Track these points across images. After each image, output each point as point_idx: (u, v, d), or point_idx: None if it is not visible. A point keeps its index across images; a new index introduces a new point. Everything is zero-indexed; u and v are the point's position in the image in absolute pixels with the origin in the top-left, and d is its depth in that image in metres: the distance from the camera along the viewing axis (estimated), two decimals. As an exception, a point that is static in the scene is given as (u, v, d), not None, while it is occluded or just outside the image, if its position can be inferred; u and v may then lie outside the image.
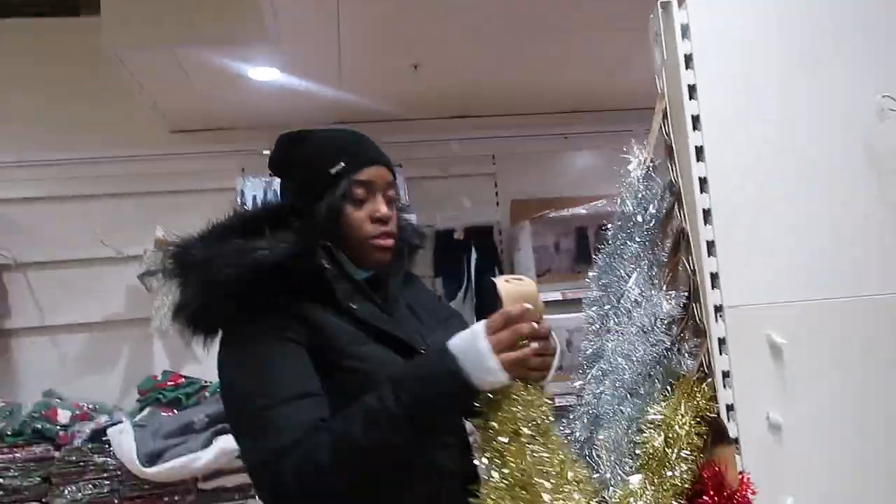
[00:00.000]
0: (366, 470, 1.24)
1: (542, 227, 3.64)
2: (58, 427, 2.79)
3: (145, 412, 2.95)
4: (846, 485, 1.32)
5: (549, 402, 1.23)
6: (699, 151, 1.35)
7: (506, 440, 1.19)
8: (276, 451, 1.24)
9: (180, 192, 3.35)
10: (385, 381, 1.24)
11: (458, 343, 1.23)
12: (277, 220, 1.47)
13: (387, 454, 1.23)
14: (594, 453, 1.26)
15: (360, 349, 1.38)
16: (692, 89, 1.40)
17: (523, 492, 1.17)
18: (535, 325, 1.21)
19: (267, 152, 1.56)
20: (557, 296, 3.49)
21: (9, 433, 2.74)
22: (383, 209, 1.47)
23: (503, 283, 1.24)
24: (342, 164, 1.44)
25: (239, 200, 3.23)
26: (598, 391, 1.30)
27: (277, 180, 1.59)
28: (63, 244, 3.25)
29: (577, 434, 1.31)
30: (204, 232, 1.43)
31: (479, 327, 1.22)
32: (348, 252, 1.47)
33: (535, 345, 1.21)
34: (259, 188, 3.27)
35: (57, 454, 2.72)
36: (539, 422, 1.20)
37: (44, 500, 2.69)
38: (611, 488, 1.21)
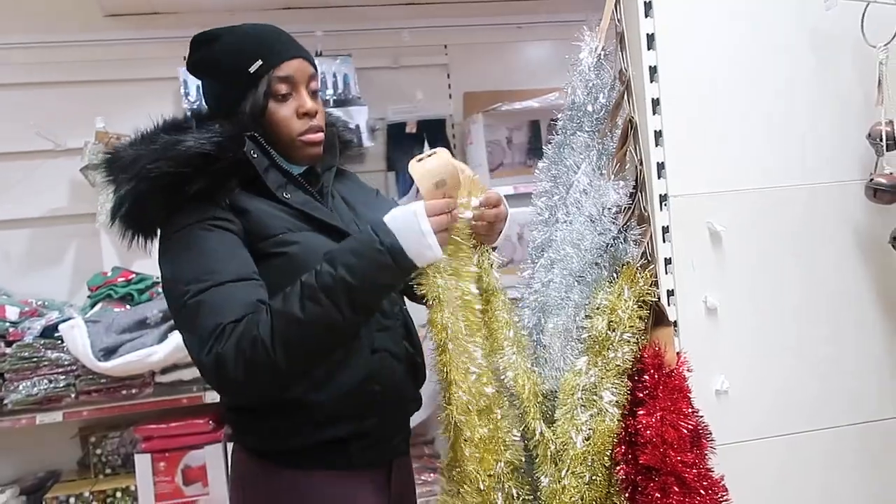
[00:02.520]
0: (305, 346, 1.26)
1: (495, 121, 3.61)
2: (7, 324, 2.76)
3: (97, 308, 2.92)
4: (774, 365, 1.41)
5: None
6: (650, 39, 1.34)
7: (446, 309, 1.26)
8: (214, 331, 1.26)
9: (120, 82, 3.21)
10: (322, 260, 1.26)
11: (397, 220, 1.26)
12: (205, 120, 1.45)
13: (325, 330, 1.26)
14: (542, 340, 1.31)
15: (293, 235, 1.40)
16: (645, -26, 1.37)
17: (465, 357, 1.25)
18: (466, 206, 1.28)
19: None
20: (510, 190, 3.50)
21: (-44, 330, 2.71)
22: (308, 103, 1.46)
23: (415, 164, 1.28)
24: (260, 61, 1.42)
25: (182, 90, 3.12)
26: (546, 279, 1.34)
27: (202, 84, 1.56)
28: (-2, 136, 3.12)
29: (526, 321, 1.35)
30: (133, 137, 1.44)
31: (420, 208, 1.25)
32: (278, 148, 1.47)
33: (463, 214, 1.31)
34: (203, 78, 3.15)
35: (8, 350, 2.70)
36: (485, 285, 1.30)
37: (-2, 395, 2.70)
38: (559, 371, 1.27)
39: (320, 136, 1.49)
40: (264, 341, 1.23)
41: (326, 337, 1.27)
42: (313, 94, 1.48)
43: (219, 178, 1.38)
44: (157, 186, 1.35)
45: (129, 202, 1.38)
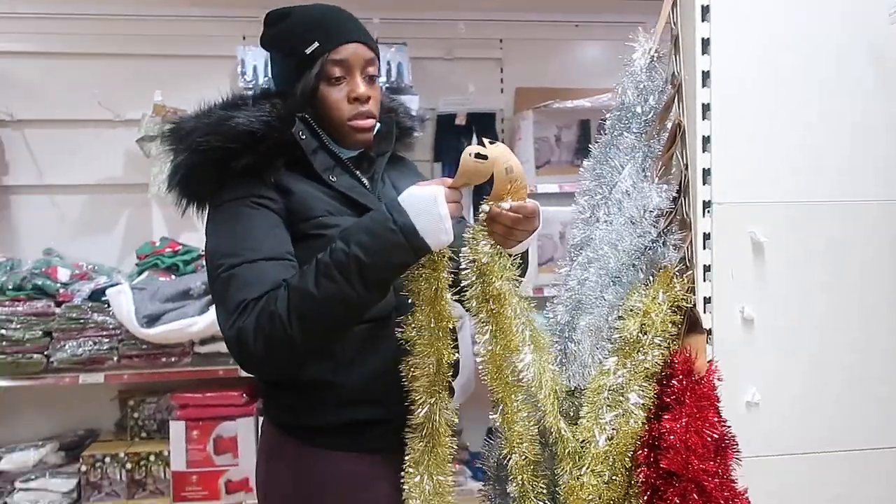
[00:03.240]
0: (320, 321, 1.28)
1: (545, 118, 3.60)
2: (58, 285, 2.86)
3: (143, 275, 3.01)
4: (808, 382, 1.39)
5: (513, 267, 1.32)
6: (705, 44, 1.33)
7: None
8: (238, 306, 1.30)
9: (180, 58, 3.29)
10: (339, 236, 1.29)
11: (412, 199, 1.26)
12: (264, 99, 1.49)
13: (339, 306, 1.27)
14: (574, 337, 1.31)
15: (333, 219, 1.42)
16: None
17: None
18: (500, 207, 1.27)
19: (266, 20, 1.55)
20: (555, 188, 3.50)
21: (10, 287, 2.81)
22: (360, 89, 1.46)
23: (466, 158, 1.27)
24: (317, 43, 1.43)
25: (239, 69, 3.17)
26: (582, 277, 1.34)
27: (269, 59, 1.60)
28: (61, 103, 3.21)
29: (559, 318, 1.36)
30: (196, 111, 1.48)
31: (440, 193, 1.25)
32: (329, 131, 1.48)
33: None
34: (260, 58, 3.19)
35: (58, 310, 2.80)
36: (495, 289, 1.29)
37: (45, 352, 2.79)
38: (588, 369, 1.27)
39: (370, 122, 1.49)
40: (281, 316, 1.26)
41: (340, 312, 1.29)
42: (369, 80, 1.48)
43: (266, 157, 1.41)
44: (206, 159, 1.39)
45: (182, 171, 1.43)
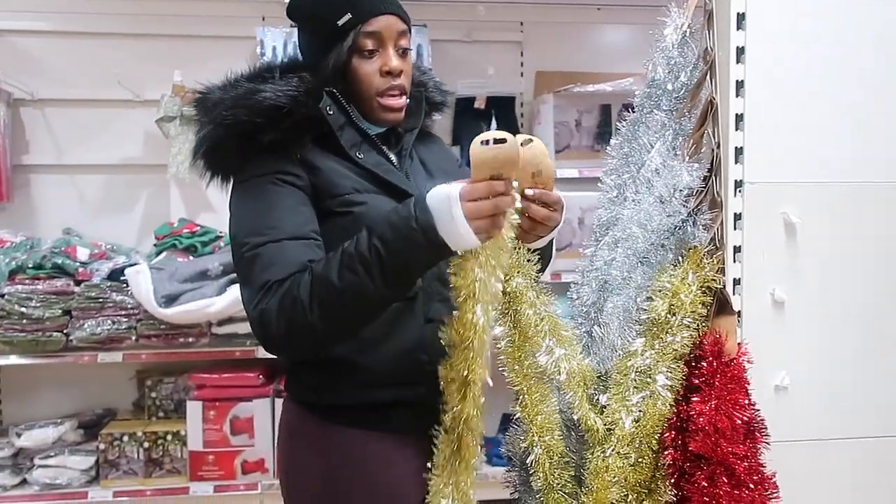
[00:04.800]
0: (340, 312, 1.26)
1: (565, 102, 3.56)
2: (77, 264, 2.86)
3: (162, 256, 3.00)
4: (837, 366, 1.36)
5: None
6: (740, 18, 1.30)
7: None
8: (263, 287, 1.28)
9: (200, 38, 3.27)
10: (366, 226, 1.25)
11: (434, 200, 1.21)
12: (291, 70, 1.46)
13: (359, 299, 1.24)
14: (601, 318, 1.29)
15: (360, 196, 1.39)
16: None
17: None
18: (516, 195, 1.20)
19: (287, 0, 1.52)
20: (574, 173, 3.46)
21: (30, 266, 2.82)
22: (393, 61, 1.43)
23: (477, 148, 1.17)
24: (349, 14, 1.40)
25: (258, 50, 3.15)
26: (609, 258, 1.32)
27: (297, 32, 1.56)
28: (81, 83, 3.21)
29: (585, 298, 1.33)
30: (223, 82, 1.45)
31: (454, 192, 1.18)
32: (359, 106, 1.45)
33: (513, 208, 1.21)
34: (279, 39, 3.18)
35: (77, 289, 2.80)
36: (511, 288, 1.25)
37: (65, 331, 2.80)
38: (617, 351, 1.25)
39: (402, 101, 1.46)
40: (303, 302, 1.24)
41: (360, 305, 1.26)
42: (402, 53, 1.45)
43: (292, 132, 1.39)
44: (231, 133, 1.37)
45: (207, 144, 1.41)
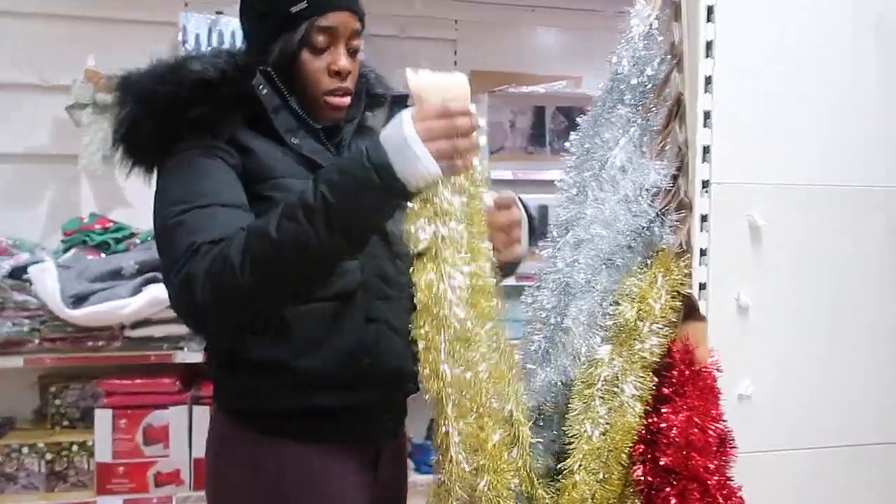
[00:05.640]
0: (274, 267, 1.11)
1: (500, 102, 3.53)
2: (-27, 261, 2.63)
3: (70, 253, 2.80)
4: (803, 374, 1.34)
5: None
6: (710, 11, 1.25)
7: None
8: (188, 250, 1.14)
9: (117, 22, 3.07)
10: (313, 177, 1.13)
11: (385, 132, 1.09)
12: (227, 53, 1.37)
13: (297, 252, 1.10)
14: (564, 323, 1.21)
15: (293, 182, 1.29)
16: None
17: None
18: (473, 121, 1.09)
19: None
20: (509, 175, 3.42)
21: (-81, 261, 2.56)
22: (343, 62, 1.35)
23: (417, 74, 1.06)
24: (305, 3, 1.30)
25: (180, 37, 2.98)
26: (570, 259, 1.24)
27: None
28: (-20, 64, 2.96)
29: (545, 302, 1.26)
30: (148, 65, 1.34)
31: (406, 113, 1.07)
32: (299, 97, 1.36)
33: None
34: (203, 26, 3.00)
35: (-28, 288, 2.57)
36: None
37: (-42, 334, 2.56)
38: (580, 359, 1.18)
39: (346, 100, 1.39)
40: (233, 260, 1.10)
41: (298, 260, 1.10)
42: (352, 54, 1.38)
43: (221, 109, 1.28)
44: (155, 110, 1.26)
45: (127, 125, 1.30)
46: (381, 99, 1.57)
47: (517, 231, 1.32)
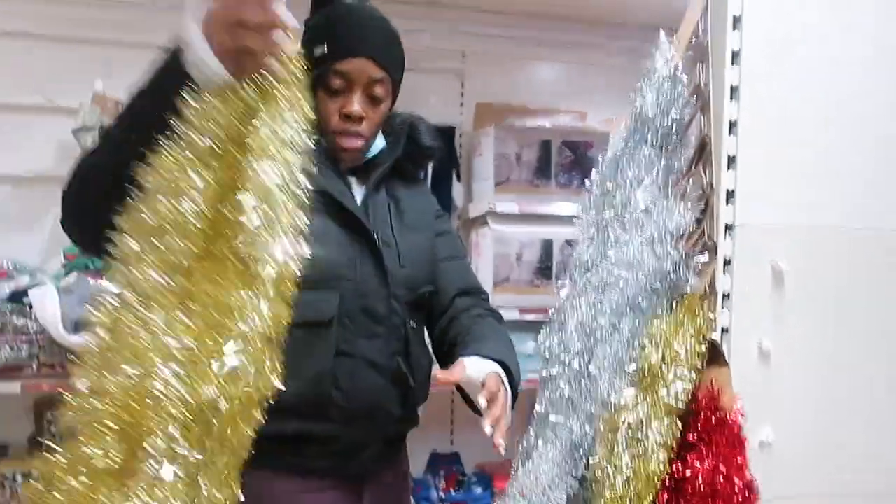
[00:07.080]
0: (86, 163, 1.13)
1: (506, 134, 3.52)
2: (-27, 283, 2.59)
3: (71, 278, 2.76)
4: (825, 422, 1.32)
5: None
6: (735, 56, 1.25)
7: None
8: None
9: (126, 46, 3.05)
10: None
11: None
12: None
13: (102, 146, 1.10)
14: (590, 368, 1.19)
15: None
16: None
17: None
18: (290, 23, 0.98)
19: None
20: (514, 207, 3.41)
21: (-82, 284, 2.53)
22: (353, 107, 1.37)
23: None
24: (325, 48, 1.36)
25: (190, 63, 2.98)
26: (593, 301, 1.23)
27: None
28: (-11, 85, 2.95)
29: (569, 344, 1.23)
30: None
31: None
32: (322, 135, 1.37)
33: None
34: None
35: (-29, 311, 2.53)
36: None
37: (-46, 357, 2.51)
38: (608, 406, 1.16)
39: (356, 144, 1.41)
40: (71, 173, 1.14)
41: (103, 154, 1.10)
42: (371, 100, 1.40)
43: None
44: None
45: None
46: (429, 151, 1.57)
47: (502, 415, 1.21)
